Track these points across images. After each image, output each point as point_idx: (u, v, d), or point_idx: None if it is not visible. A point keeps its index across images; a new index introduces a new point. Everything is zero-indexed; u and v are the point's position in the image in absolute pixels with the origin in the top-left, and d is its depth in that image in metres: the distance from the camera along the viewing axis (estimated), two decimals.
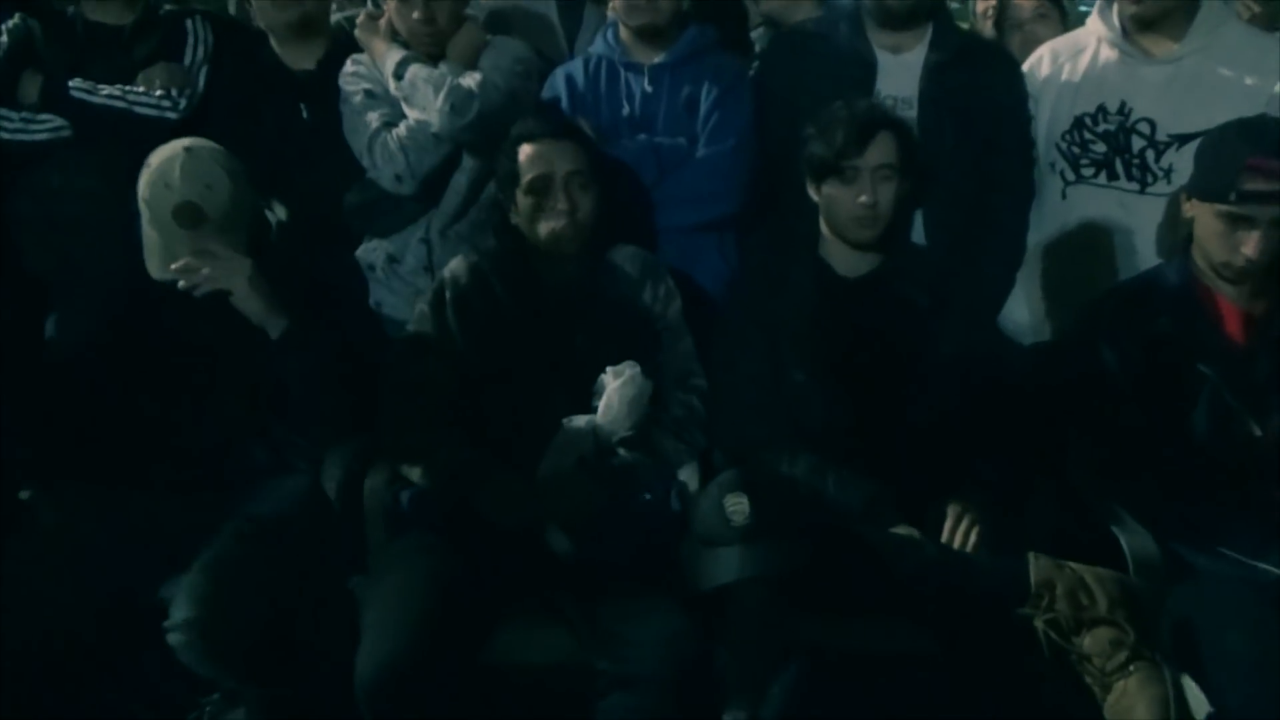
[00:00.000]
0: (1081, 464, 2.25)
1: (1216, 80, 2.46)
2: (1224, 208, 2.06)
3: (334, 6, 3.01)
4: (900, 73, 2.54)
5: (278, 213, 2.53)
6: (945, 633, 1.98)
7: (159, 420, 2.26)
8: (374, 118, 2.55)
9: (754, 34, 3.29)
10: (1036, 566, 1.96)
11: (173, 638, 1.98)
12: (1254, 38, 2.57)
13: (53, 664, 2.01)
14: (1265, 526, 2.06)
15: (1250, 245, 2.05)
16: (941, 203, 2.54)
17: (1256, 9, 3.00)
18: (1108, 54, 2.56)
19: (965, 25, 3.31)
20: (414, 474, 2.20)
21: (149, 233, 2.19)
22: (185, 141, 2.22)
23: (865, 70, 2.54)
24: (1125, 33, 2.54)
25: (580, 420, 2.18)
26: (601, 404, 2.18)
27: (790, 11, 3.10)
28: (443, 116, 2.47)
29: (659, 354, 2.31)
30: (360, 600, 2.11)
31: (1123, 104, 2.53)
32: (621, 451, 2.19)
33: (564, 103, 2.60)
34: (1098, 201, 2.59)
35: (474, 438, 2.21)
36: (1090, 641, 1.87)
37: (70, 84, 2.60)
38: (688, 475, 2.26)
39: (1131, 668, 1.84)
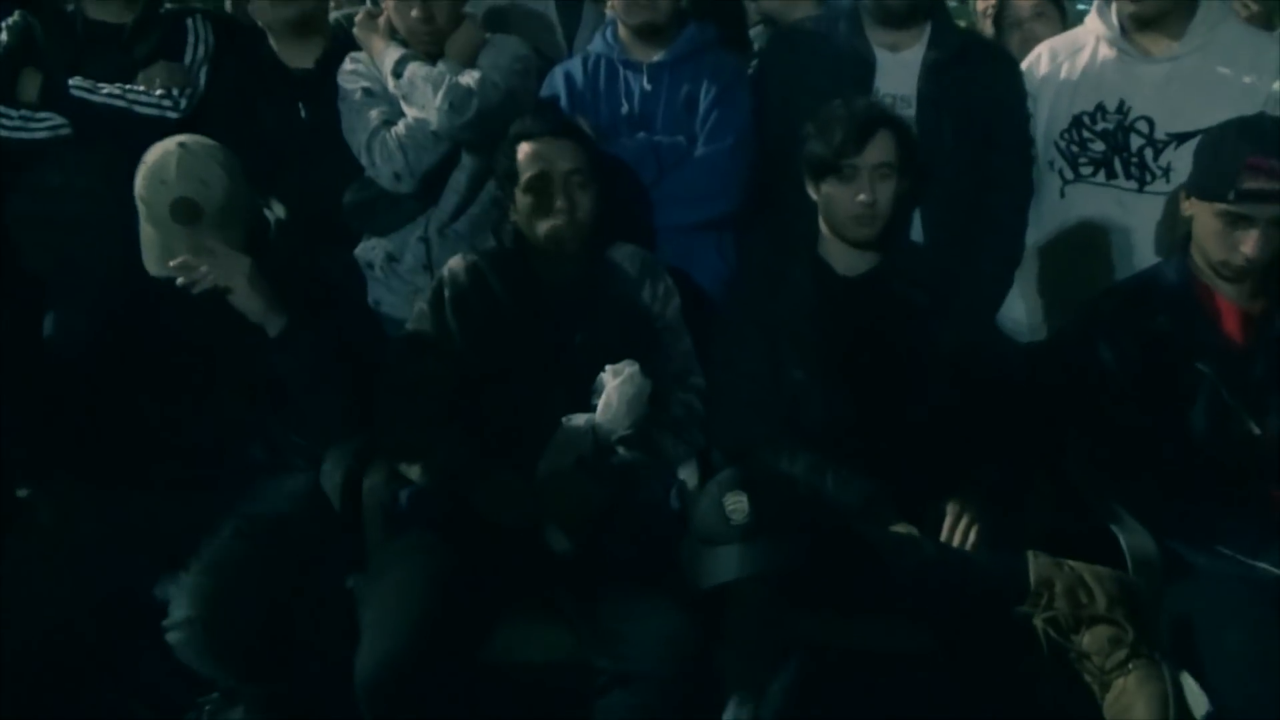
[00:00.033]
0: (1080, 462, 2.25)
1: (1215, 79, 2.47)
2: (1223, 206, 2.07)
3: (332, 5, 3.01)
4: (899, 71, 2.54)
5: (276, 211, 2.53)
6: (944, 631, 1.98)
7: (157, 419, 2.26)
8: (373, 116, 2.55)
9: (752, 32, 3.29)
10: (1035, 565, 1.96)
11: (172, 636, 1.99)
12: (1252, 36, 2.57)
13: (52, 663, 2.01)
14: (1263, 525, 2.07)
15: (1249, 244, 2.05)
16: (940, 201, 2.54)
17: (1255, 8, 3.00)
18: (1106, 52, 2.57)
19: (963, 23, 3.30)
20: (413, 472, 2.20)
21: (146, 230, 2.19)
22: (180, 138, 2.21)
23: (864, 68, 2.54)
24: (1124, 31, 2.54)
25: (579, 419, 2.18)
26: (600, 402, 2.18)
27: (789, 10, 3.09)
28: (441, 115, 2.47)
29: (658, 353, 2.30)
30: (359, 599, 2.11)
31: (1121, 102, 2.54)
32: (620, 450, 2.19)
33: (563, 101, 2.60)
34: (1096, 200, 2.59)
35: (473, 436, 2.21)
36: (1089, 639, 1.87)
37: (70, 82, 2.60)
38: (687, 474, 2.26)
39: (1130, 665, 1.84)
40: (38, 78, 2.60)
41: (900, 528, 2.08)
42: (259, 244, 2.26)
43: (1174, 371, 2.15)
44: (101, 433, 2.23)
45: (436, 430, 2.20)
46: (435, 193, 2.59)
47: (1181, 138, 2.46)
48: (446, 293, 2.30)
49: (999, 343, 2.63)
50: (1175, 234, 2.40)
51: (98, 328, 2.28)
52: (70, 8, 2.72)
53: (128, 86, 2.62)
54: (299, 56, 2.75)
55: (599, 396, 2.18)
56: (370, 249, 2.67)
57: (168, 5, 2.81)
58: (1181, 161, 2.40)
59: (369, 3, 2.93)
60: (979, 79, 2.57)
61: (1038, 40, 2.80)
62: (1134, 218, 2.55)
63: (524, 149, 2.27)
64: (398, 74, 2.52)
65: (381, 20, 2.63)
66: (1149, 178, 2.53)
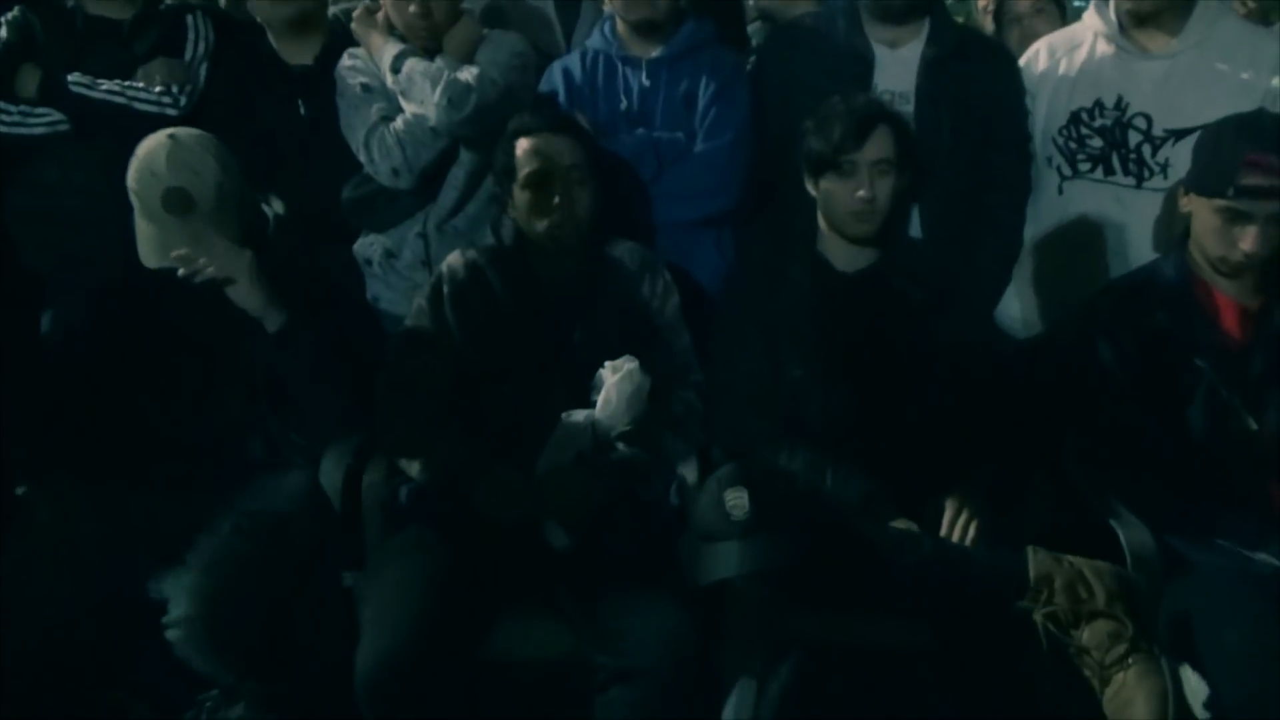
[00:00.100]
0: (1078, 458, 2.25)
1: (1213, 75, 2.47)
2: (1222, 203, 2.07)
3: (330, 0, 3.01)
4: (897, 68, 2.54)
5: (275, 207, 2.53)
6: (944, 628, 1.98)
7: (156, 417, 2.26)
8: (371, 112, 2.55)
9: (750, 28, 3.29)
10: (1035, 560, 1.97)
11: (172, 634, 1.99)
12: (1250, 33, 2.57)
13: (51, 663, 2.00)
14: (1262, 520, 2.07)
15: (1248, 240, 2.05)
16: (938, 198, 2.54)
17: (1252, 4, 3.00)
18: (1104, 49, 2.57)
19: (960, 19, 3.31)
20: (412, 469, 2.20)
21: (141, 224, 2.19)
22: (171, 130, 2.22)
23: (862, 65, 2.54)
24: (1122, 28, 2.54)
25: (579, 415, 2.18)
26: (600, 399, 2.18)
27: (787, 6, 3.09)
28: (440, 111, 2.46)
29: (657, 349, 2.30)
30: (359, 596, 2.11)
31: (1119, 99, 2.54)
32: (620, 446, 2.19)
33: (561, 97, 2.59)
34: (1094, 196, 2.59)
35: (472, 433, 2.21)
36: (1089, 634, 1.87)
37: (69, 78, 2.59)
38: (686, 470, 2.25)
39: (1130, 660, 1.84)
40: (37, 73, 2.59)
41: (900, 524, 2.08)
42: (258, 240, 2.26)
43: (1172, 368, 2.15)
44: (100, 430, 2.23)
45: (436, 427, 2.20)
46: (434, 189, 2.59)
47: (1179, 134, 2.46)
48: (445, 289, 2.30)
49: (997, 339, 2.63)
50: (1173, 230, 2.40)
51: (96, 324, 2.27)
52: (70, 3, 2.71)
53: (127, 83, 2.62)
54: (298, 53, 2.75)
55: (598, 393, 2.18)
56: (369, 245, 2.66)
57: (167, 1, 2.80)
58: (1179, 158, 2.40)
59: None
60: (977, 76, 2.57)
61: (1037, 36, 2.80)
62: (1132, 214, 2.55)
63: (522, 145, 2.27)
64: (396, 70, 2.52)
65: (380, 16, 2.62)
66: (1147, 174, 2.53)
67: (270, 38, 2.76)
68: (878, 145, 2.20)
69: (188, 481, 2.22)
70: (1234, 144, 2.07)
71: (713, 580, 1.91)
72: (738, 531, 1.89)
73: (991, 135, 2.58)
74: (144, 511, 2.16)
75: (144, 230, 2.19)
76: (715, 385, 2.33)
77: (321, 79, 2.65)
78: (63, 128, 2.59)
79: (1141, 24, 2.52)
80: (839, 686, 1.93)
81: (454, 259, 2.34)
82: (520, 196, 2.28)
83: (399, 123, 2.52)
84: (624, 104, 2.58)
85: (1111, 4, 2.56)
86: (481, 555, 2.05)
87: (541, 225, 2.26)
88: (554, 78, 2.63)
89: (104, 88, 2.60)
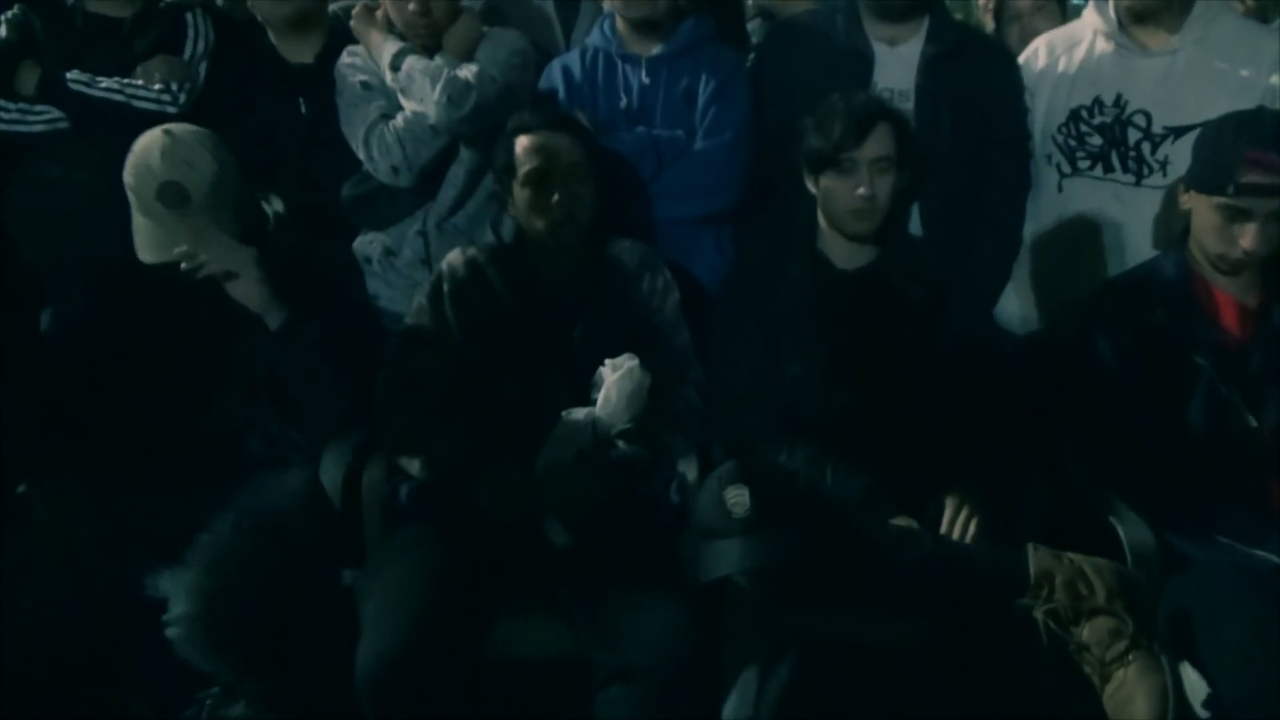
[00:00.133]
0: (1078, 456, 2.25)
1: (1212, 73, 2.47)
2: (1222, 200, 2.07)
3: None
4: (897, 65, 2.54)
5: (275, 205, 2.52)
6: (944, 624, 1.98)
7: (155, 414, 2.25)
8: (371, 110, 2.55)
9: (750, 26, 3.28)
10: (1035, 557, 1.96)
11: (172, 631, 1.99)
12: (1249, 30, 2.58)
13: (51, 661, 2.00)
14: (1262, 518, 2.07)
15: (1248, 238, 2.05)
16: (938, 195, 2.55)
17: (1252, 2, 3.01)
18: (1104, 46, 2.57)
19: (960, 17, 3.30)
20: (412, 467, 2.20)
21: (138, 220, 2.19)
22: (167, 126, 2.22)
23: (862, 63, 2.54)
24: (1121, 25, 2.55)
25: (579, 413, 2.18)
26: (600, 396, 2.18)
27: (786, 4, 3.09)
28: (439, 109, 2.46)
29: (657, 347, 2.30)
30: (359, 594, 2.11)
31: (1119, 96, 2.54)
32: (620, 444, 2.19)
33: (561, 95, 2.59)
34: (1094, 194, 2.59)
35: (472, 430, 2.21)
36: (1089, 631, 1.87)
37: (68, 76, 2.59)
38: (687, 468, 2.26)
39: (1130, 657, 1.84)
40: (36, 71, 2.59)
41: (900, 521, 2.08)
42: (258, 237, 2.26)
43: (1172, 365, 2.15)
44: (99, 429, 2.23)
45: (436, 425, 2.20)
46: (433, 187, 2.59)
47: (1179, 131, 2.47)
48: (445, 287, 2.30)
49: (996, 336, 2.63)
50: (1173, 228, 2.40)
51: (96, 323, 2.27)
52: (70, 1, 2.71)
53: (126, 81, 2.61)
54: (298, 51, 2.74)
55: (598, 390, 2.18)
56: (368, 243, 2.66)
57: None
58: (1179, 155, 2.41)
59: None
60: (977, 73, 2.57)
61: (1037, 34, 2.80)
62: (1131, 212, 2.56)
63: (522, 143, 2.27)
64: (395, 68, 2.51)
65: (379, 14, 2.62)
66: (1146, 172, 2.53)
67: (270, 35, 2.76)
68: (877, 143, 2.20)
69: (187, 480, 2.21)
70: (1234, 141, 2.07)
71: (713, 577, 1.91)
72: (738, 529, 1.90)
73: (991, 133, 2.58)
74: (144, 510, 2.15)
75: (141, 225, 2.19)
76: (715, 383, 2.33)
77: (322, 77, 2.65)
78: (62, 125, 2.59)
79: (1141, 21, 2.52)
80: (839, 683, 1.93)
81: (454, 257, 2.34)
82: (520, 194, 2.27)
83: (399, 120, 2.51)
84: (624, 102, 2.58)
85: (1111, 1, 2.56)
86: (481, 553, 2.05)
87: (541, 223, 2.26)
88: (554, 75, 2.63)
89: (103, 85, 2.60)
